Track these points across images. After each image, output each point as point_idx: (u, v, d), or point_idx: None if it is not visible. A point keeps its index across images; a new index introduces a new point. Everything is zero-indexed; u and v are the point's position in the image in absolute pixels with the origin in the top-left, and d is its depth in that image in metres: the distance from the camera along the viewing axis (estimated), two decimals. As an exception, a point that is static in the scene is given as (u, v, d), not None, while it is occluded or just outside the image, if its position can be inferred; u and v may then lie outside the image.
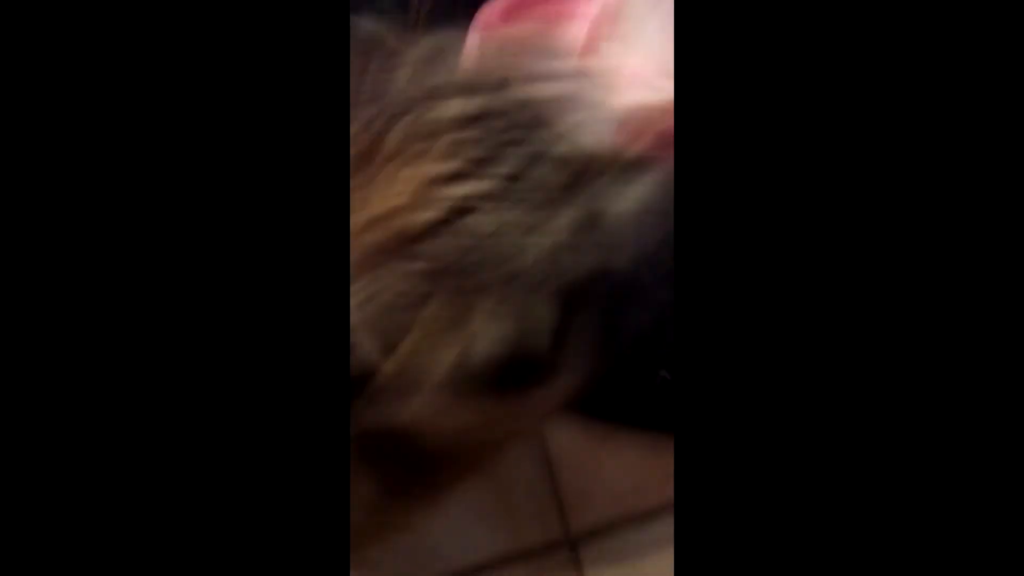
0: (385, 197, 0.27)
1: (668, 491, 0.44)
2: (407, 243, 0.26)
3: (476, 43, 0.41)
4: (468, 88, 0.30)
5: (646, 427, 0.45)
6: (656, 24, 0.43)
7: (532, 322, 0.28)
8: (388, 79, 0.29)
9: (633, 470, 0.45)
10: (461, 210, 0.26)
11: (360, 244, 0.26)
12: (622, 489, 0.45)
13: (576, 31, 0.49)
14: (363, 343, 0.25)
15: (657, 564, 0.44)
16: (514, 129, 0.28)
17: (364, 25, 0.31)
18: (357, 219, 0.26)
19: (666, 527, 0.44)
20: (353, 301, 0.26)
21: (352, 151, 0.27)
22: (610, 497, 0.45)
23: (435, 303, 0.26)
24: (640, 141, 0.30)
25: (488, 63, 0.32)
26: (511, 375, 0.28)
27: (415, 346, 0.26)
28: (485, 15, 0.48)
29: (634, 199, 0.30)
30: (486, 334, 0.27)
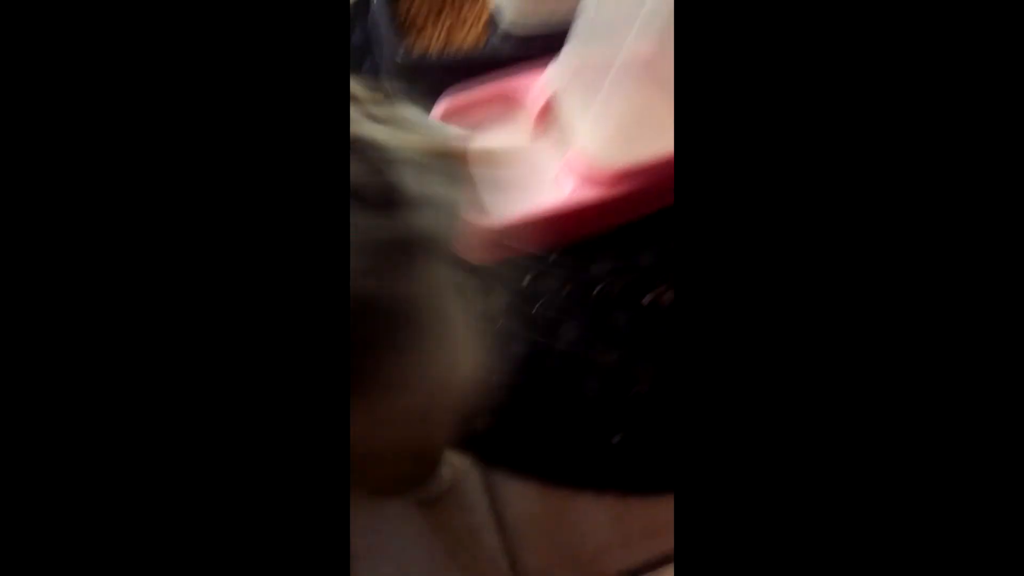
0: None
1: (630, 556, 0.44)
2: None
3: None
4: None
5: (603, 490, 0.45)
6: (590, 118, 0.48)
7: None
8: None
9: (594, 535, 0.45)
10: None
11: None
12: (583, 553, 0.44)
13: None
14: None
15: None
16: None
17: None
18: None
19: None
20: None
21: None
22: (570, 564, 0.44)
23: None
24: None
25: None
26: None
27: None
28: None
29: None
30: None
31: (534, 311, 0.50)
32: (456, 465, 0.46)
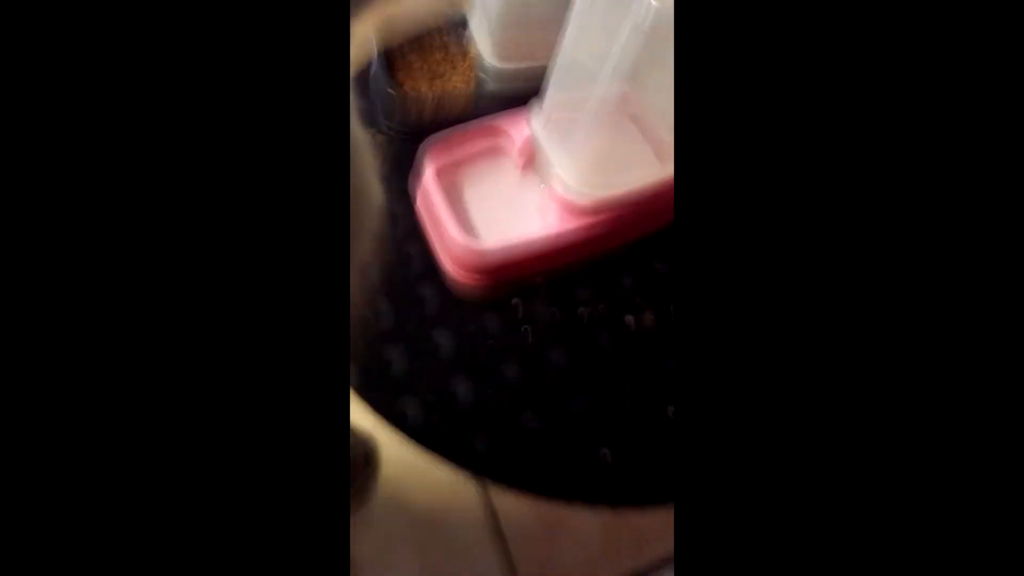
0: None
1: (620, 564, 0.47)
2: None
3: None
4: None
5: (594, 503, 0.48)
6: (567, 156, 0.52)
7: None
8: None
9: (586, 545, 0.47)
10: None
11: None
12: (576, 563, 0.46)
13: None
14: None
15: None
16: None
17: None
18: None
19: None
20: None
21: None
22: (565, 574, 0.46)
23: None
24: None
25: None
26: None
27: None
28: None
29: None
30: None
31: (523, 332, 0.53)
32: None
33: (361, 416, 0.49)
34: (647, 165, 0.52)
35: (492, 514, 0.48)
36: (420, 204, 0.56)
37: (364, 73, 0.66)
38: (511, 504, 0.48)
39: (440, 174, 0.54)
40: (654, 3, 0.40)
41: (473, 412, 0.50)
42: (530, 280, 0.55)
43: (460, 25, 0.65)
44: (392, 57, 0.63)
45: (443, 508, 0.47)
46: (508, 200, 0.55)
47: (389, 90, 0.60)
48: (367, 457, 0.46)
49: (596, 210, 0.52)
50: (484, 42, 0.63)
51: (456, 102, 0.62)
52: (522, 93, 0.57)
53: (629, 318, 0.53)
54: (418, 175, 0.56)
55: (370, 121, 0.61)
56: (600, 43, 0.46)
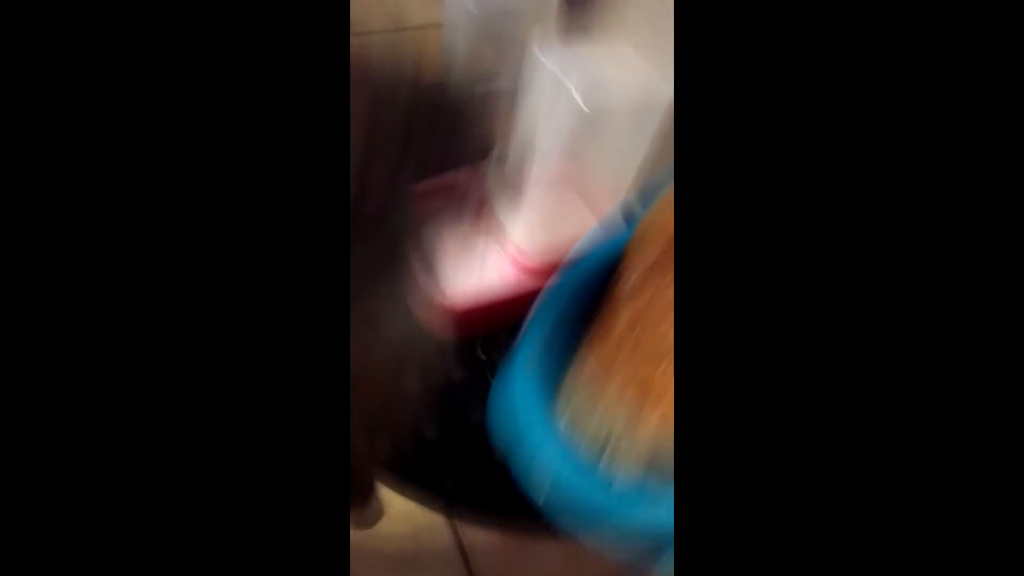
0: None
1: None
2: None
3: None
4: None
5: (559, 534, 0.51)
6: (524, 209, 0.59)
7: None
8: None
9: (552, 570, 0.50)
10: None
11: None
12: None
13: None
14: None
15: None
16: None
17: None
18: None
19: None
20: None
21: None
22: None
23: None
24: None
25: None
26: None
27: None
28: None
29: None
30: None
31: (488, 381, 0.58)
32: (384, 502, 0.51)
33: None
34: (590, 228, 0.59)
35: (461, 547, 0.51)
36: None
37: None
38: (479, 537, 0.51)
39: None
40: (585, 109, 0.49)
41: (442, 454, 0.54)
42: (492, 333, 0.60)
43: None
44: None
45: (414, 544, 0.50)
46: (469, 265, 0.62)
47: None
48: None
49: (548, 269, 0.59)
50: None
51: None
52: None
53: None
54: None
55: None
56: (544, 126, 0.54)
